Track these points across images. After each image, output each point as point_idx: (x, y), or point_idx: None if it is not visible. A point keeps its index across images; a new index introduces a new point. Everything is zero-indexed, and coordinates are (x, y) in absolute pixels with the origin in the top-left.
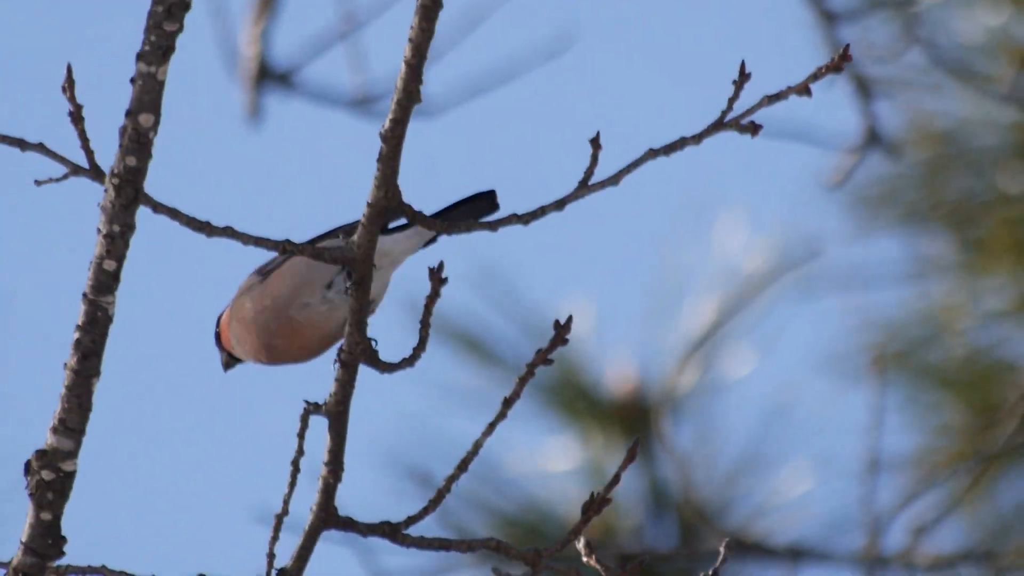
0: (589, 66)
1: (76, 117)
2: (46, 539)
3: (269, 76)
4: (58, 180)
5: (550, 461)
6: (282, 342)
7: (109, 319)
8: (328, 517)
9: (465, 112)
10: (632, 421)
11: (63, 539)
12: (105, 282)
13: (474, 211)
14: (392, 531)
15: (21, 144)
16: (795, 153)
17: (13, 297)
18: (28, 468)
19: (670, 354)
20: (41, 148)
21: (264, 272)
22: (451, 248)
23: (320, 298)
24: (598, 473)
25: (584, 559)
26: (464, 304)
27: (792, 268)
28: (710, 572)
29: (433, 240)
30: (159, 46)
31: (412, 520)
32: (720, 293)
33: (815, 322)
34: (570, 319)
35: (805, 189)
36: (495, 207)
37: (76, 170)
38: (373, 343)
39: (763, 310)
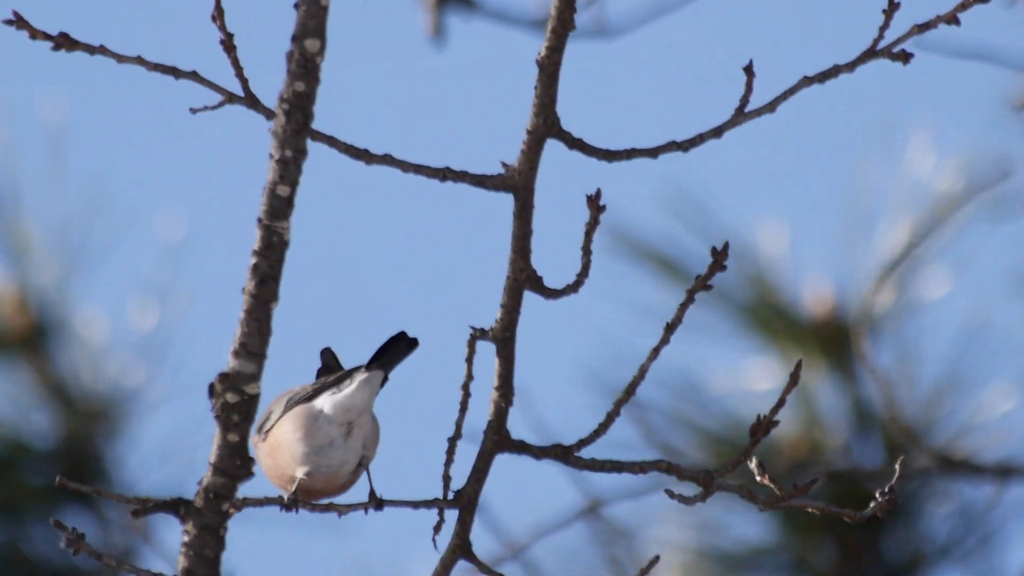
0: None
1: (228, 46)
2: (234, 460)
3: None
4: (213, 108)
5: (752, 380)
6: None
7: (285, 244)
8: (501, 440)
9: (630, 38)
10: (830, 340)
11: (251, 460)
12: (279, 207)
13: (400, 350)
14: (564, 453)
15: (175, 72)
16: (982, 74)
17: (192, 228)
18: (212, 391)
19: (865, 275)
20: (194, 76)
21: (263, 431)
22: (646, 169)
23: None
24: (799, 391)
25: (757, 478)
26: (658, 225)
27: (983, 189)
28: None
29: (386, 380)
30: None
31: (584, 443)
32: (912, 214)
33: (1008, 243)
34: (726, 245)
35: (993, 110)
36: (414, 342)
37: (231, 98)
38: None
39: (956, 231)
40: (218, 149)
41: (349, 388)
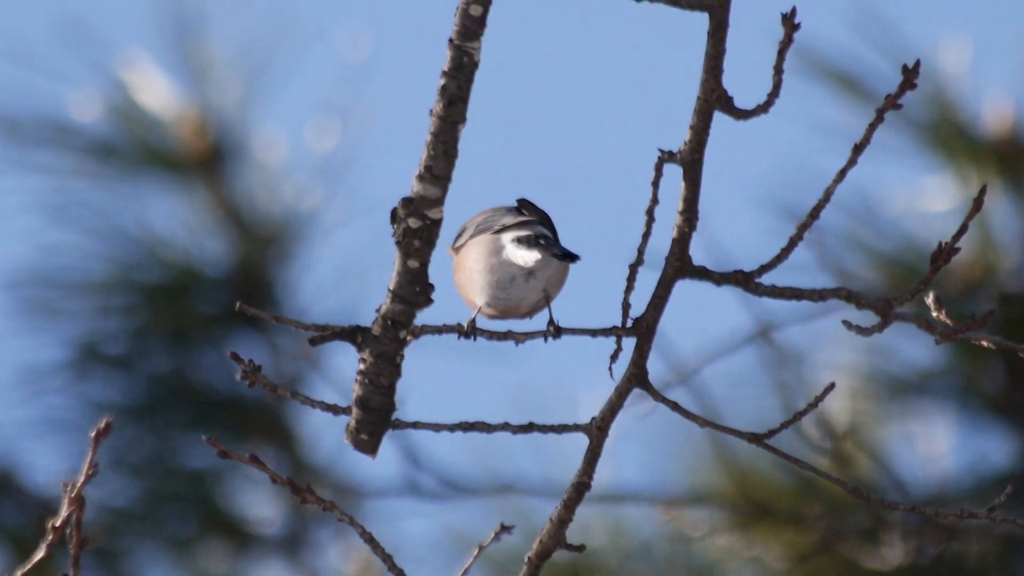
0: None
1: None
2: (413, 287)
3: None
4: None
5: (928, 200)
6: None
7: (475, 65)
8: (683, 266)
9: None
10: (1008, 160)
11: (430, 286)
12: (471, 27)
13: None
14: (745, 280)
15: None
16: None
17: (377, 49)
18: (394, 216)
19: None
20: None
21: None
22: None
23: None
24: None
25: (933, 313)
26: (841, 43)
27: None
28: None
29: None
30: None
31: (765, 268)
32: None
33: None
34: (917, 63)
35: None
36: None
37: None
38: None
39: None
40: None
41: (532, 255)
